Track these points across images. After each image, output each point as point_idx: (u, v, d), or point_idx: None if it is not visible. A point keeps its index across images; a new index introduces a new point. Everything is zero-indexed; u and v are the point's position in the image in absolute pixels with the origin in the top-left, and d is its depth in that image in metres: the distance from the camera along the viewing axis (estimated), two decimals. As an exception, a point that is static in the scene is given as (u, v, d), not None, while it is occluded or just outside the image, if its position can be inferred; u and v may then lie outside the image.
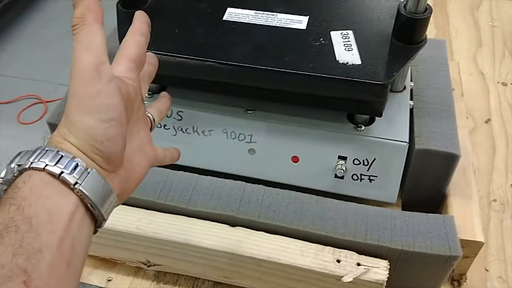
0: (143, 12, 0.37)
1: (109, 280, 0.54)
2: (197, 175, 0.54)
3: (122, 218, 0.51)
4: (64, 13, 2.10)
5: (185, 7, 0.57)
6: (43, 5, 2.14)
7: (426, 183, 0.54)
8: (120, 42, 0.37)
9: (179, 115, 0.56)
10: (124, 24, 0.54)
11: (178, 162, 0.57)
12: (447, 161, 0.51)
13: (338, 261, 0.48)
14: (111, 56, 0.34)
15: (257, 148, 0.55)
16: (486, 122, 0.75)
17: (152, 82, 0.56)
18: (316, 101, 0.52)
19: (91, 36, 0.29)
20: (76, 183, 0.27)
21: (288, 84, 0.50)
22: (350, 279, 0.47)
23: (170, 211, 0.51)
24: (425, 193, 0.55)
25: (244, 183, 0.53)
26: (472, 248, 0.51)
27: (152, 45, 0.50)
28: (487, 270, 0.56)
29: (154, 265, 0.53)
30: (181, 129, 0.56)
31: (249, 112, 0.54)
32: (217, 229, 0.50)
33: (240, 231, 0.50)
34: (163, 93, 0.45)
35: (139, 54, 0.35)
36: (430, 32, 0.83)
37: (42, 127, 1.64)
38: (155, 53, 0.45)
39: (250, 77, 0.50)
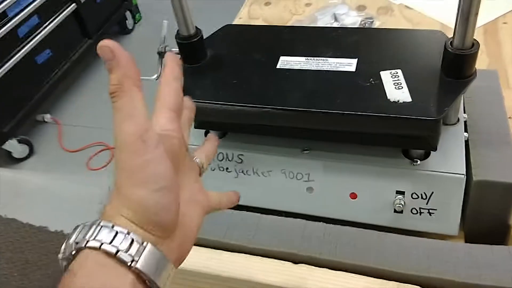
0: (173, 54, 0.36)
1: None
2: (259, 214, 0.57)
3: (190, 258, 0.54)
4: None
5: (241, 58, 0.61)
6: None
7: (488, 215, 0.54)
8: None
9: (239, 158, 0.59)
10: (188, 78, 0.59)
11: (241, 203, 0.60)
12: (507, 191, 0.51)
13: (403, 295, 0.48)
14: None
15: (315, 186, 0.57)
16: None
17: (214, 130, 0.60)
18: (370, 139, 0.54)
19: (132, 103, 0.28)
20: (133, 261, 0.27)
21: (341, 125, 0.52)
22: (416, 314, 0.47)
23: (235, 250, 0.54)
24: (488, 224, 0.54)
25: (304, 221, 0.55)
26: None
27: (213, 96, 0.55)
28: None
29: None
30: (242, 171, 0.60)
31: (305, 152, 0.57)
32: (280, 266, 0.52)
33: (303, 268, 0.52)
34: (210, 135, 0.44)
35: (177, 102, 0.33)
36: (483, 60, 0.83)
37: (109, 172, 1.74)
38: (216, 103, 0.48)
39: (305, 120, 0.53)
